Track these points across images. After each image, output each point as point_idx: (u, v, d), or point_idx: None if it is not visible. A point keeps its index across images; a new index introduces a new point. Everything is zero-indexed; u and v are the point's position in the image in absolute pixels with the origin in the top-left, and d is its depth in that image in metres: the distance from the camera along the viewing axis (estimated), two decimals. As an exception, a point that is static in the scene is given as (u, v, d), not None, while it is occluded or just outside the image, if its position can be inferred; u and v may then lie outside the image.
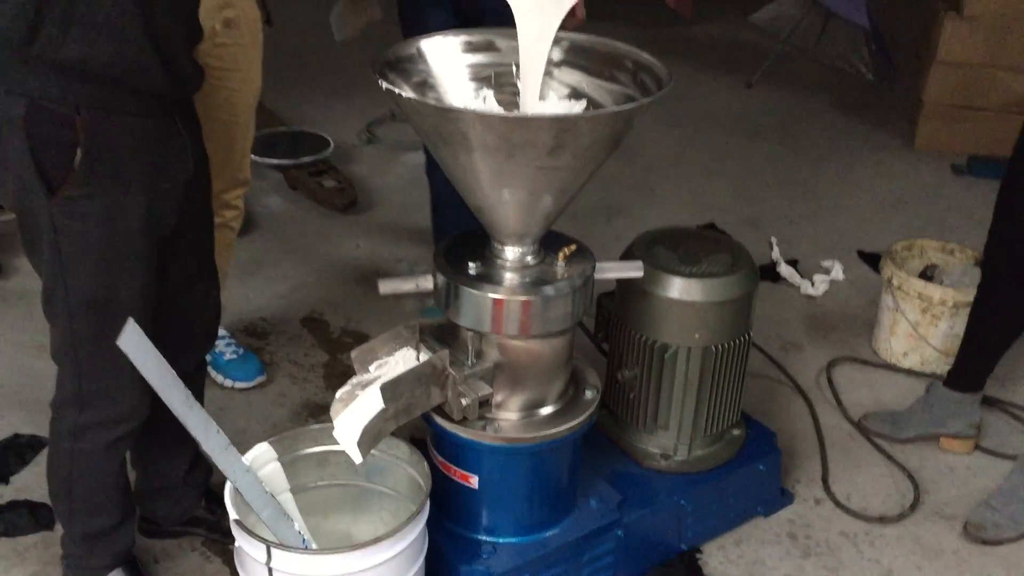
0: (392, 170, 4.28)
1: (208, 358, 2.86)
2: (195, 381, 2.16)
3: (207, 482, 2.32)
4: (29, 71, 1.64)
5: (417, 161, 4.36)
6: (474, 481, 2.03)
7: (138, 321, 1.72)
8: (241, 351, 2.90)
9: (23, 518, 2.33)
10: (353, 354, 1.94)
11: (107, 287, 1.80)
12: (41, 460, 2.52)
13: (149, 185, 1.79)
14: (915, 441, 2.72)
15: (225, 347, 2.88)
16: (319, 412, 2.77)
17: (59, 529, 2.28)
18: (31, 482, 2.46)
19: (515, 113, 1.89)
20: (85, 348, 1.85)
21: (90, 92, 1.67)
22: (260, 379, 2.87)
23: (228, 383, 2.85)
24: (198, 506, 2.30)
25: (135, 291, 1.83)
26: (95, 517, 2.04)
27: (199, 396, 2.17)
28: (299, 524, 2.00)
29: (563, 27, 1.91)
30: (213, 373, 2.85)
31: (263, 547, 1.74)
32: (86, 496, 2.01)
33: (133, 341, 1.68)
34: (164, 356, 1.91)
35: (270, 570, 1.76)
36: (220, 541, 2.30)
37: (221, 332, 2.89)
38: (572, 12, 2.54)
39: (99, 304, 1.81)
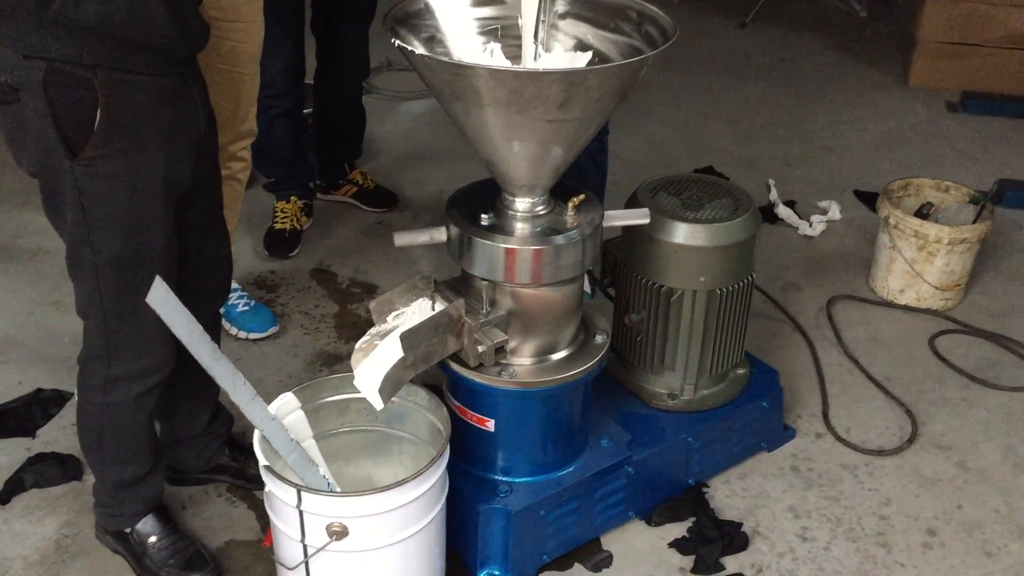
0: (390, 120, 4.31)
1: (221, 310, 2.93)
2: (212, 334, 2.21)
3: (229, 431, 2.40)
4: (46, 34, 1.67)
5: (415, 110, 4.40)
6: (490, 424, 2.10)
7: (162, 277, 1.77)
8: (253, 303, 2.96)
9: (52, 469, 2.41)
10: (371, 305, 2.00)
11: (132, 245, 1.85)
12: (65, 413, 2.60)
13: (167, 143, 1.83)
14: None
15: (237, 299, 2.94)
16: (333, 362, 2.84)
17: (88, 479, 2.37)
18: (57, 435, 2.54)
19: (526, 68, 1.93)
20: (112, 304, 1.91)
21: (106, 52, 1.70)
22: (273, 329, 2.93)
23: (242, 334, 2.91)
24: (222, 454, 2.38)
25: (158, 247, 1.89)
26: (125, 467, 2.11)
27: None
28: (323, 469, 2.07)
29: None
30: (227, 325, 2.91)
31: (293, 491, 1.82)
32: (116, 447, 2.08)
33: (161, 297, 1.73)
34: None
35: (300, 512, 1.83)
36: (244, 487, 2.39)
37: (232, 285, 2.95)
38: None
39: (125, 261, 1.86)
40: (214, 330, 2.25)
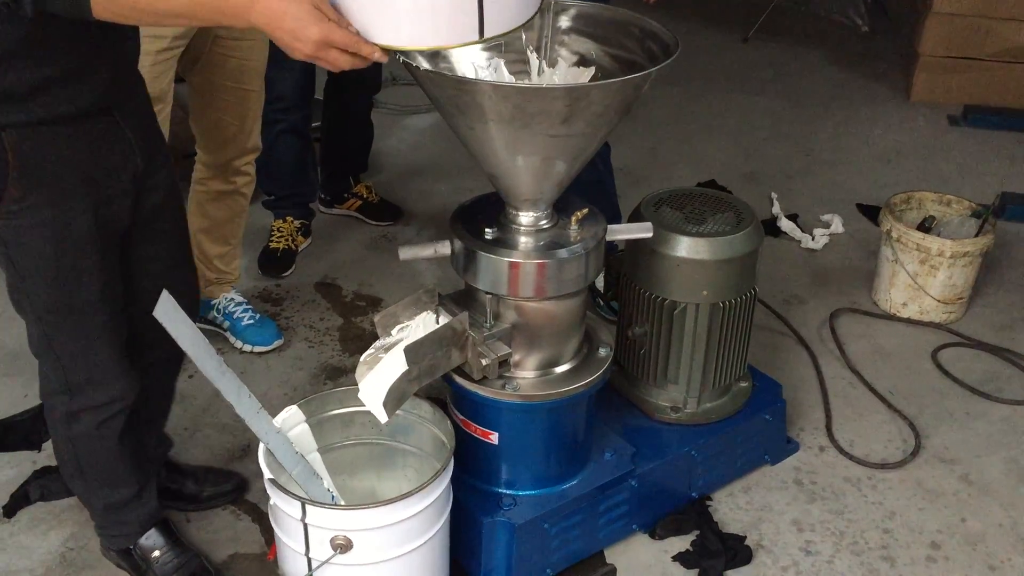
0: (395, 134, 4.33)
1: (227, 323, 2.95)
2: (178, 366, 2.21)
3: (167, 453, 2.37)
4: None
5: (419, 125, 4.42)
6: (494, 437, 2.11)
7: (105, 319, 1.77)
8: (258, 316, 2.97)
9: (58, 482, 2.40)
10: (376, 318, 2.00)
11: (65, 293, 1.82)
12: (70, 427, 2.60)
13: (94, 189, 1.77)
14: None
15: (243, 312, 2.95)
16: (337, 374, 2.85)
17: (93, 493, 2.37)
18: (62, 448, 2.55)
19: (529, 84, 1.94)
20: (60, 345, 1.89)
21: (16, 110, 1.64)
22: (277, 343, 2.94)
23: (247, 348, 2.92)
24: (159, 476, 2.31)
25: (95, 292, 1.84)
26: (113, 490, 2.09)
27: (173, 383, 2.26)
28: (328, 482, 2.08)
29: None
30: (232, 338, 2.93)
31: (298, 504, 1.82)
32: (97, 473, 2.06)
33: (168, 312, 1.75)
34: (144, 344, 1.98)
35: (305, 525, 1.84)
36: (182, 509, 2.35)
37: (239, 298, 2.97)
38: None
39: (61, 308, 1.84)
40: (180, 362, 2.22)
